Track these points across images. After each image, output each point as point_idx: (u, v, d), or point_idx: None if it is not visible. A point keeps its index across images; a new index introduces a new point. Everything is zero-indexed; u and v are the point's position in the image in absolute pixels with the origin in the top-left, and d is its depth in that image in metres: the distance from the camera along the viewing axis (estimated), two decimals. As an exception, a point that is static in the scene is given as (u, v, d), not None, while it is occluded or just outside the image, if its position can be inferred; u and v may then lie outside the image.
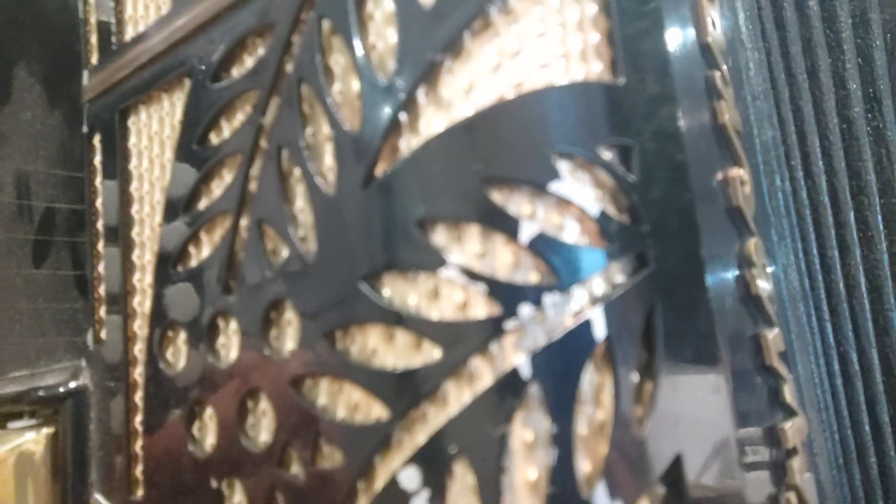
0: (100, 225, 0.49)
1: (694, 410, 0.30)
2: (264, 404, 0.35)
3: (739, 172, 0.34)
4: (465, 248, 0.29)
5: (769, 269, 0.36)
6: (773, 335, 0.34)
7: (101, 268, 0.49)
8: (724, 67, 0.35)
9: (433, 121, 0.31)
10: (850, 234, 0.41)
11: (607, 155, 0.31)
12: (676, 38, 0.33)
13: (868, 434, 0.41)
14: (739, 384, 0.32)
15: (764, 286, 0.34)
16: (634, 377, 0.29)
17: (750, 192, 0.36)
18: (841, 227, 0.41)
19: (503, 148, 0.30)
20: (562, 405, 0.27)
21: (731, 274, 0.33)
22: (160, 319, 0.41)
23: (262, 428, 0.35)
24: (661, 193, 0.31)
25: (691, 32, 0.34)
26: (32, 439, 0.48)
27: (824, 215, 0.40)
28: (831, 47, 0.42)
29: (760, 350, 0.34)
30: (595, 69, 0.32)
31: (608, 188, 0.31)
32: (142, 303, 0.45)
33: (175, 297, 0.41)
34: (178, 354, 0.41)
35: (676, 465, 0.29)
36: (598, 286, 0.29)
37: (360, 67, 0.32)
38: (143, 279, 0.45)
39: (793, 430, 0.34)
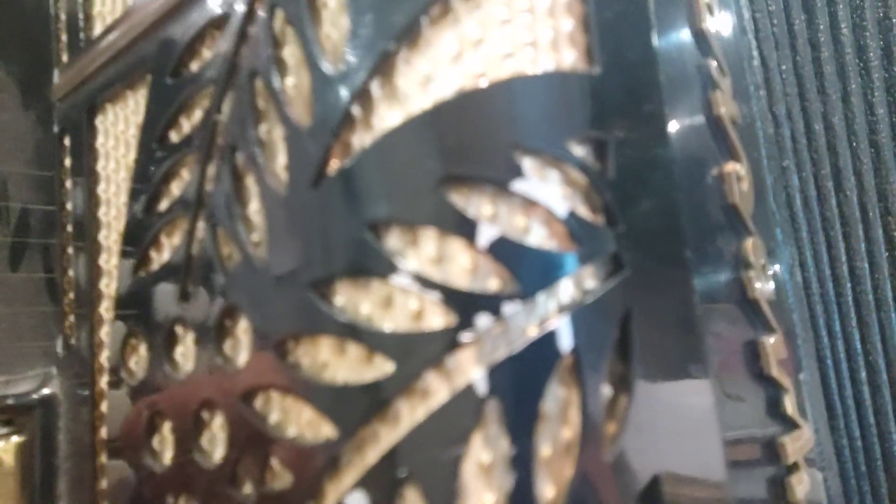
0: (70, 228, 0.48)
1: (676, 426, 0.28)
2: (220, 418, 0.33)
3: (736, 167, 0.32)
4: (420, 252, 0.27)
5: (771, 271, 0.34)
6: (772, 342, 0.31)
7: (71, 272, 0.47)
8: (722, 56, 0.33)
9: (388, 115, 0.28)
10: (878, 251, 0.42)
11: (580, 151, 0.28)
12: (664, 23, 0.30)
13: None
14: (732, 395, 0.29)
15: (763, 289, 0.32)
16: (606, 391, 0.27)
17: (749, 188, 0.34)
18: (870, 244, 0.42)
19: (463, 144, 0.27)
20: (522, 424, 0.25)
21: (725, 276, 0.31)
22: (123, 327, 0.40)
23: (219, 443, 0.33)
24: (640, 191, 0.28)
25: (683, 17, 0.32)
26: (2, 448, 0.47)
27: (854, 228, 0.41)
28: (862, 75, 0.43)
29: (758, 358, 0.31)
30: (567, 58, 0.30)
31: (581, 187, 0.28)
32: (109, 309, 0.44)
33: (137, 304, 0.39)
34: (140, 363, 0.39)
35: (654, 487, 0.26)
36: (567, 293, 0.27)
37: (310, 59, 0.30)
38: (110, 284, 0.44)
39: (793, 443, 0.31)
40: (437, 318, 0.26)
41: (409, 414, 0.26)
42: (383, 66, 0.28)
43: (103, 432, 0.42)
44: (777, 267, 0.35)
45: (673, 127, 0.28)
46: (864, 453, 0.41)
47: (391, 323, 0.27)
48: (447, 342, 0.26)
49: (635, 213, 0.28)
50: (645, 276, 0.27)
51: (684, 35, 0.32)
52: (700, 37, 0.32)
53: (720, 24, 0.35)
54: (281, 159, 0.31)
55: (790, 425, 0.32)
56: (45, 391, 0.47)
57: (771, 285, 0.33)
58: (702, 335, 0.27)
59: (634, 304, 0.27)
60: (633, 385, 0.27)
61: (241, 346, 0.32)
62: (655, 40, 0.29)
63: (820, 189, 0.41)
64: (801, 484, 0.32)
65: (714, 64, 0.32)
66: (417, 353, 0.26)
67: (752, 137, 0.37)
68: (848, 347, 0.41)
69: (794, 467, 0.31)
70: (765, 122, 0.40)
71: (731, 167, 0.32)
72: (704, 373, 0.27)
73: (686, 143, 0.30)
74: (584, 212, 0.28)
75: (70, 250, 0.47)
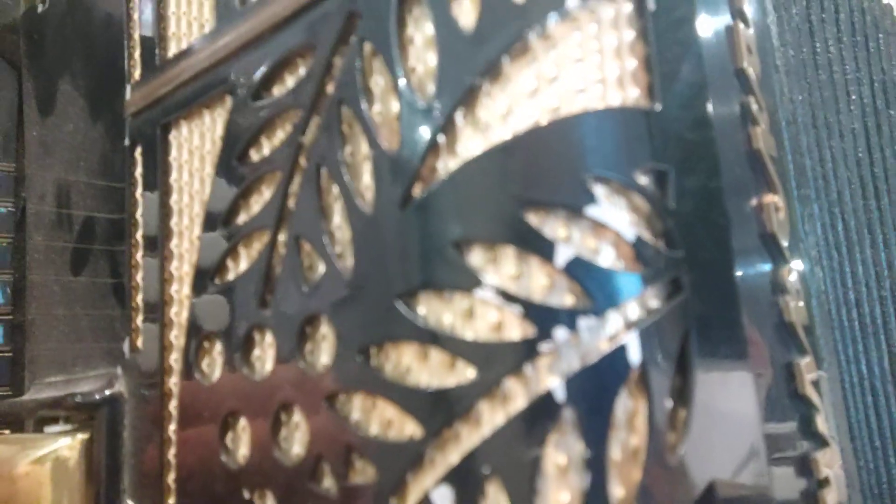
0: (139, 235, 0.50)
1: (727, 438, 0.30)
2: (297, 417, 0.36)
3: (774, 198, 0.34)
4: (501, 269, 0.30)
5: (802, 296, 0.36)
6: (805, 363, 0.34)
7: (139, 277, 0.50)
8: (759, 92, 0.36)
9: (471, 143, 0.31)
10: (869, 273, 0.43)
11: (644, 180, 0.31)
12: (712, 63, 0.33)
13: None
14: (772, 414, 0.32)
15: (797, 313, 0.34)
16: (668, 403, 0.29)
17: (784, 218, 0.36)
18: (864, 266, 0.43)
19: (540, 171, 0.30)
20: (596, 430, 0.27)
21: (765, 300, 0.33)
22: (196, 330, 0.42)
23: (295, 441, 0.36)
24: (695, 219, 0.31)
25: (727, 58, 0.34)
26: (67, 445, 0.49)
27: (853, 251, 0.42)
28: (844, 89, 0.44)
29: (793, 378, 0.34)
30: (632, 95, 0.32)
31: (644, 213, 0.31)
32: (178, 313, 0.46)
33: (212, 309, 0.41)
34: (214, 365, 0.42)
35: (710, 494, 0.29)
36: (633, 311, 0.29)
37: (400, 90, 0.32)
38: (181, 290, 0.46)
39: (825, 459, 0.34)
40: (517, 330, 0.29)
41: (490, 417, 0.28)
42: (467, 99, 0.31)
43: (171, 430, 0.44)
44: (807, 292, 0.37)
45: (722, 159, 0.31)
46: (875, 476, 0.42)
47: (473, 332, 0.30)
48: (526, 352, 0.28)
49: (691, 239, 0.30)
50: (700, 298, 0.30)
51: (729, 74, 0.34)
52: (741, 75, 0.35)
53: (757, 62, 0.38)
54: (365, 179, 0.34)
55: (821, 442, 0.34)
56: (111, 390, 0.49)
57: (804, 309, 0.35)
58: (748, 357, 0.30)
59: (692, 324, 0.30)
60: (692, 399, 0.29)
61: (320, 351, 0.35)
62: (707, 80, 0.32)
63: (830, 215, 0.42)
64: (833, 498, 0.34)
65: (753, 100, 0.35)
66: (498, 361, 0.29)
67: (784, 169, 0.39)
68: (858, 371, 0.42)
69: (825, 482, 0.33)
70: (795, 154, 0.42)
71: (770, 198, 0.34)
72: (751, 391, 0.30)
73: (732, 175, 0.32)
74: (648, 236, 0.30)
75: (139, 256, 0.50)
